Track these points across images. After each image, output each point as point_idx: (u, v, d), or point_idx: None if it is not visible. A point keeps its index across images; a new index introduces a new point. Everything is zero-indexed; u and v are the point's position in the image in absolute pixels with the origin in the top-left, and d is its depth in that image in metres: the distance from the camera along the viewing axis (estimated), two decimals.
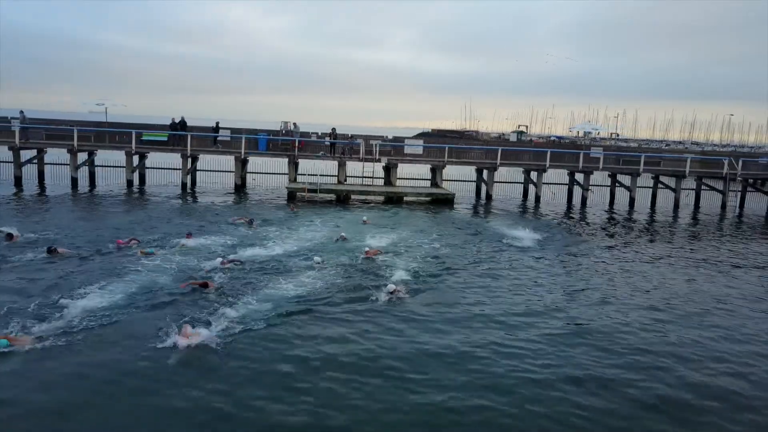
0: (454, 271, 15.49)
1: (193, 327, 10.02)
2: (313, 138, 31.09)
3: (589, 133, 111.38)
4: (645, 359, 10.11)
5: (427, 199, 28.57)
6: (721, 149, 79.18)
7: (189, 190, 29.05)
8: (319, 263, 15.19)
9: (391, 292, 12.69)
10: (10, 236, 16.28)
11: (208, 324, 10.32)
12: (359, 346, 10.05)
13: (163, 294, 12.13)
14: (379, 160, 29.92)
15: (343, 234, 18.77)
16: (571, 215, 27.77)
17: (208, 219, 21.38)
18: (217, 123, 30.75)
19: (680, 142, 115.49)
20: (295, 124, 31.41)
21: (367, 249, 16.60)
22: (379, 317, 11.55)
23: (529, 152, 31.98)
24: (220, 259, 14.56)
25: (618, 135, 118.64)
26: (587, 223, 25.50)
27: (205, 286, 12.52)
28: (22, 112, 30.42)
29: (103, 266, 14.11)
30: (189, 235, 17.43)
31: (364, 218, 22.48)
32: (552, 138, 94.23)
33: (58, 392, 8.05)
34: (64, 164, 29.96)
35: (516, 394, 8.62)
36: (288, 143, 29.73)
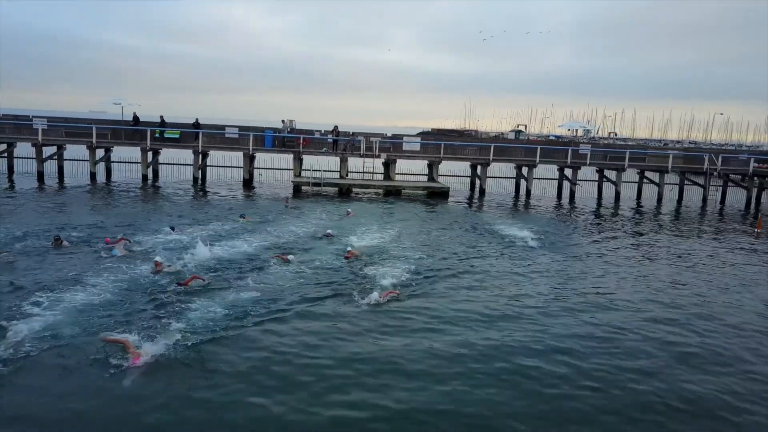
0: (441, 267, 15.31)
1: (143, 343, 9.02)
2: (317, 135, 32.91)
3: (589, 131, 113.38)
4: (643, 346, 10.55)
5: (424, 192, 30.36)
6: (719, 148, 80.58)
7: (200, 185, 30.86)
8: (291, 262, 14.71)
9: (379, 298, 12.02)
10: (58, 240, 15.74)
11: (160, 333, 9.58)
12: (329, 353, 9.53)
13: (120, 301, 11.30)
14: (378, 156, 31.68)
15: (329, 231, 18.65)
16: (560, 208, 29.47)
17: (206, 212, 22.17)
18: (197, 119, 32.35)
19: (678, 141, 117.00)
20: (283, 121, 33.22)
21: (349, 249, 15.98)
22: (353, 322, 10.96)
23: (520, 149, 33.74)
24: (158, 258, 13.66)
25: (616, 134, 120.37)
26: (575, 216, 27.11)
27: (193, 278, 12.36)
28: None
29: (78, 265, 13.65)
30: (173, 229, 17.87)
31: (349, 210, 23.28)
32: (551, 137, 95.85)
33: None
34: (81, 160, 31.86)
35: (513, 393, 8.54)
36: (293, 140, 31.58)
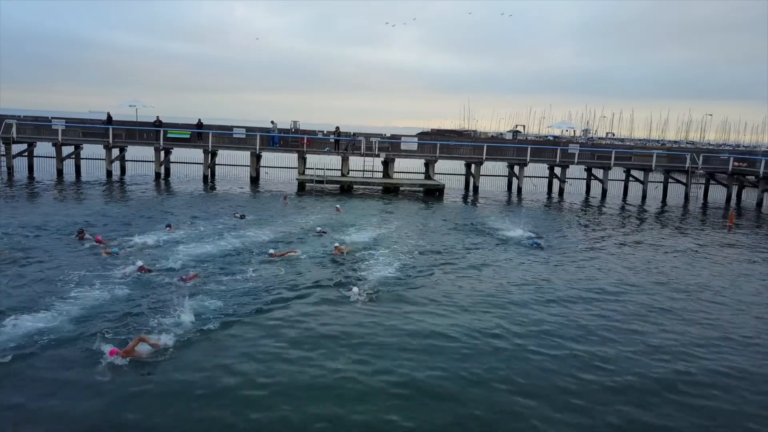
0: (430, 262, 15.83)
1: (128, 340, 9.33)
2: (319, 136, 34.82)
3: (587, 131, 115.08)
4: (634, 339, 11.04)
5: (420, 189, 32.25)
6: (717, 148, 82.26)
7: (209, 183, 32.69)
8: (273, 255, 15.01)
9: (357, 295, 12.28)
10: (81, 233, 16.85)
11: (150, 331, 9.86)
12: (313, 349, 9.79)
13: (107, 301, 11.45)
14: (378, 155, 33.55)
15: (319, 228, 19.19)
16: (549, 205, 31.23)
17: (209, 210, 22.93)
18: (200, 120, 34.26)
19: (675, 142, 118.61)
20: (272, 122, 35.06)
21: (336, 245, 16.24)
22: (335, 316, 11.25)
23: (512, 148, 35.61)
24: (139, 263, 13.67)
25: (614, 134, 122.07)
26: (564, 212, 28.83)
27: (194, 277, 12.88)
28: None
29: (79, 262, 14.15)
30: (169, 227, 18.31)
31: (337, 206, 24.24)
32: (549, 137, 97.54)
33: None
34: (96, 159, 33.79)
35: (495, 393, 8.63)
36: (296, 140, 33.50)
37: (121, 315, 10.76)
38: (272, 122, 34.90)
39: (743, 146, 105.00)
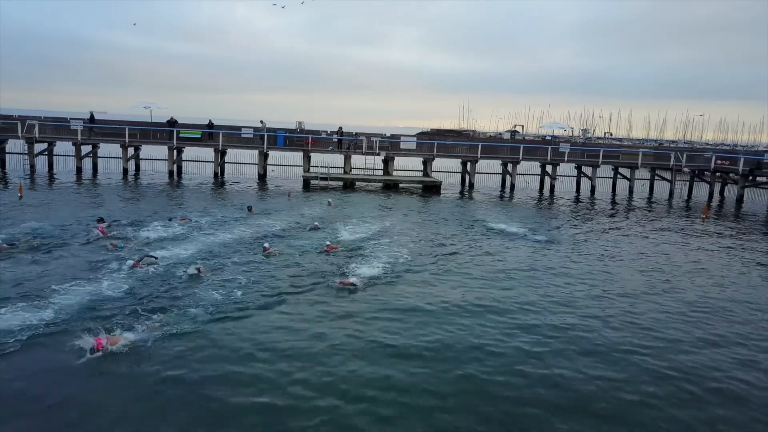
0: (422, 258, 16.20)
1: (116, 330, 9.54)
2: (323, 135, 36.75)
3: (586, 131, 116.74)
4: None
5: (419, 186, 34.16)
6: (714, 148, 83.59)
7: (219, 180, 34.56)
8: (268, 250, 15.37)
9: (348, 283, 12.45)
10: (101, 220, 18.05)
11: (133, 325, 10.00)
12: (301, 343, 9.92)
13: (106, 293, 11.66)
14: (379, 154, 35.48)
15: (316, 223, 19.75)
16: (540, 201, 33.04)
17: (215, 206, 23.98)
18: (210, 121, 36.28)
19: (673, 142, 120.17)
20: (261, 121, 36.94)
21: (328, 243, 16.59)
22: (323, 316, 11.26)
23: (506, 147, 37.51)
24: (130, 262, 13.71)
25: (611, 134, 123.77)
26: (554, 208, 30.53)
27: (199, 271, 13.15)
28: None
29: (79, 258, 14.48)
30: (171, 219, 19.10)
31: (329, 200, 25.29)
32: (548, 137, 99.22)
33: None
34: (113, 157, 35.72)
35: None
36: (302, 139, 35.46)
37: (121, 306, 11.03)
38: (261, 122, 36.80)
39: (741, 146, 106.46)
